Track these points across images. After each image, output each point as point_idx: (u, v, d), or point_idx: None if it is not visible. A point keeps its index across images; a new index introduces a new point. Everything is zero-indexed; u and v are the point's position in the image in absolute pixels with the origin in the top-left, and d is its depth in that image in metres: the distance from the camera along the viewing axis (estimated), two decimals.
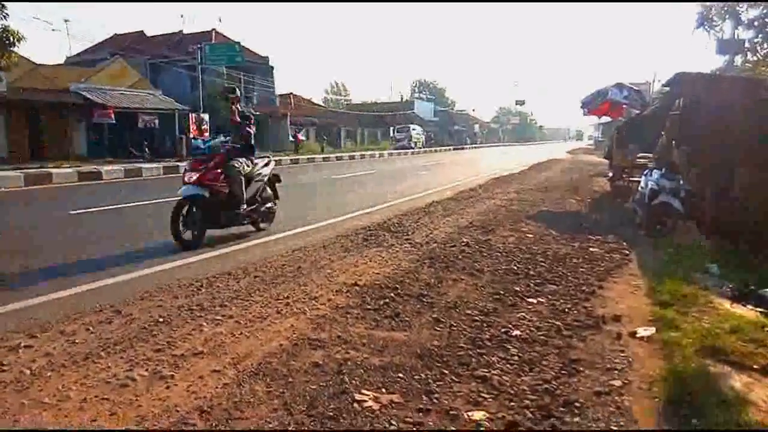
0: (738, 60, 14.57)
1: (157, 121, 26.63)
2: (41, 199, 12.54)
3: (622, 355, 3.55)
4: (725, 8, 9.30)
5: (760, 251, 7.00)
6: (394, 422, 2.69)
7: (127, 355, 3.45)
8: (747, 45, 9.79)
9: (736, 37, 13.89)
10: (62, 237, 7.72)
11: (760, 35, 8.56)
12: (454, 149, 54.33)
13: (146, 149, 25.04)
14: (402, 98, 69.51)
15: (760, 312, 4.65)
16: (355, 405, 2.84)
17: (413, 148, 46.24)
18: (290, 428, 2.63)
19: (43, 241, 7.35)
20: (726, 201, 8.43)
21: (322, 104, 57.88)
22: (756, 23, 8.54)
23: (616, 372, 3.29)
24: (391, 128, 52.47)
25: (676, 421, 2.75)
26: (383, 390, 3.02)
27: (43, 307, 4.46)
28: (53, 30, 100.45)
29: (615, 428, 2.67)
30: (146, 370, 3.23)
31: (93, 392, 2.96)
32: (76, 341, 3.66)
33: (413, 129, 50.44)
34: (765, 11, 8.32)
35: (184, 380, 3.11)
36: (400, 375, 3.20)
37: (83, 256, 6.38)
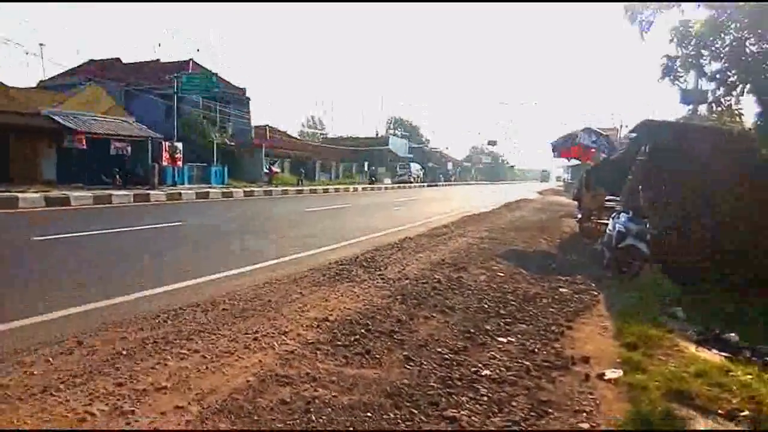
0: (702, 109, 15.17)
1: (129, 148, 26.27)
2: (4, 224, 12.19)
3: (591, 397, 3.57)
4: (690, 60, 9.72)
5: (722, 288, 7.24)
6: None
7: (87, 388, 3.33)
8: (710, 96, 10.23)
9: (699, 87, 14.49)
10: (24, 264, 7.49)
11: (722, 87, 8.96)
12: (428, 186, 55.00)
13: (117, 176, 24.67)
14: (377, 134, 70.11)
15: (725, 356, 4.74)
16: None
17: (412, 183, 54.59)
18: None
19: (2, 267, 7.13)
20: (686, 242, 8.71)
21: (298, 137, 58.01)
22: (718, 76, 8.96)
23: (584, 414, 3.30)
24: (366, 163, 55.14)
25: None
26: (351, 429, 2.97)
27: (1, 336, 4.29)
28: (27, 53, 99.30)
29: None
30: (106, 404, 3.12)
31: (48, 426, 2.85)
32: (34, 373, 3.53)
33: (413, 166, 59.50)
34: (726, 65, 8.73)
35: (145, 416, 3.01)
36: (369, 414, 3.16)
37: (45, 284, 6.19)
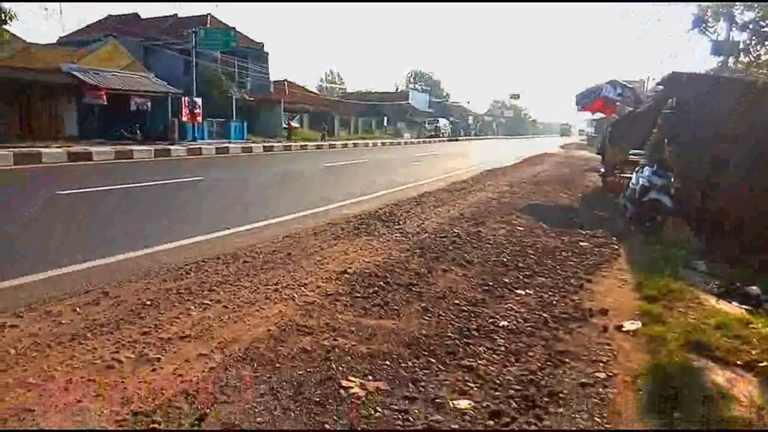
0: (731, 62, 14.64)
1: (149, 104, 26.31)
2: (30, 179, 12.41)
3: (608, 347, 3.58)
4: (721, 10, 9.32)
5: (743, 245, 7.12)
6: (379, 409, 2.70)
7: (114, 337, 3.43)
8: (741, 46, 9.83)
9: (731, 38, 13.96)
10: (49, 218, 7.65)
11: (754, 38, 8.58)
12: (448, 140, 54.47)
13: (138, 132, 24.80)
14: (397, 89, 69.25)
15: (745, 309, 4.70)
16: (342, 391, 2.85)
17: (441, 137, 55.43)
18: (276, 413, 2.64)
19: (30, 220, 7.29)
20: (713, 197, 8.55)
21: (317, 92, 57.47)
22: (750, 26, 8.56)
23: (601, 364, 3.32)
24: (385, 118, 54.69)
25: (659, 415, 2.78)
26: (370, 377, 3.03)
27: (30, 287, 4.43)
28: (46, 10, 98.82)
29: (598, 421, 2.69)
30: (132, 352, 3.22)
31: (78, 373, 2.95)
32: (63, 322, 3.64)
33: (441, 121, 60.72)
34: (760, 13, 8.33)
35: (170, 363, 3.11)
36: (387, 363, 3.21)
37: (71, 237, 6.33)
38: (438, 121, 60.41)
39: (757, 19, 8.56)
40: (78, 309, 3.89)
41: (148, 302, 4.06)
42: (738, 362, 3.40)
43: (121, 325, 3.61)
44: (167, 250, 5.84)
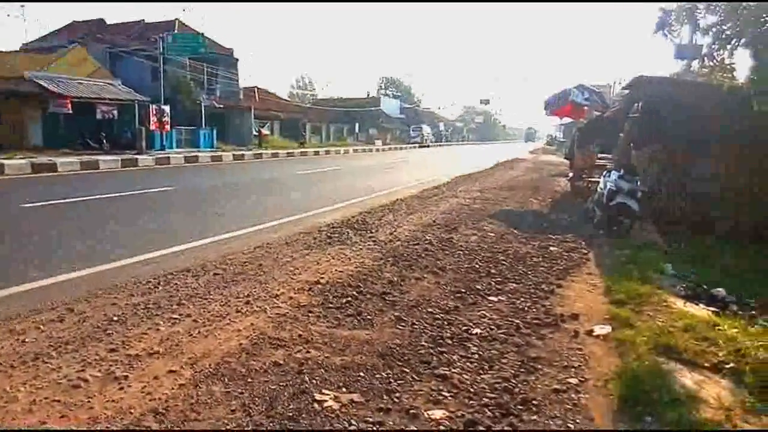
0: (695, 65, 15.01)
1: (115, 112, 25.78)
2: None
3: (579, 353, 3.62)
4: (684, 13, 9.56)
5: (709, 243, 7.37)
6: (354, 422, 2.68)
7: (80, 354, 3.34)
8: (704, 50, 10.09)
9: (694, 42, 14.32)
10: (12, 231, 7.43)
11: (716, 42, 8.81)
12: (419, 147, 54.74)
13: (104, 141, 24.30)
14: (368, 95, 69.32)
15: (712, 311, 4.81)
16: (315, 405, 2.81)
17: (424, 144, 58.74)
18: (248, 429, 2.59)
19: None
20: (677, 199, 8.81)
21: (288, 99, 57.17)
22: (713, 29, 8.78)
23: (573, 370, 3.35)
24: (357, 124, 54.78)
25: (630, 419, 2.81)
26: (344, 389, 3.01)
27: None
28: (8, 15, 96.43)
29: (571, 427, 2.72)
30: (99, 370, 3.14)
31: (42, 393, 2.86)
32: (26, 340, 3.53)
33: (425, 128, 63.93)
34: (722, 18, 8.56)
35: (138, 381, 3.03)
36: (361, 374, 3.19)
37: (35, 252, 6.15)
38: (422, 128, 63.71)
39: (719, 22, 8.80)
40: (42, 326, 3.77)
41: (115, 318, 3.97)
42: (706, 364, 3.47)
43: (87, 343, 3.51)
44: (134, 263, 5.72)
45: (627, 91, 12.65)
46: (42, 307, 4.21)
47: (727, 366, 3.41)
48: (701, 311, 4.76)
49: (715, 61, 9.33)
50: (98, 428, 2.56)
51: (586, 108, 16.16)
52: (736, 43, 8.61)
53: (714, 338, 3.81)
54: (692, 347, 3.65)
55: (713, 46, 9.15)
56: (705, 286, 5.57)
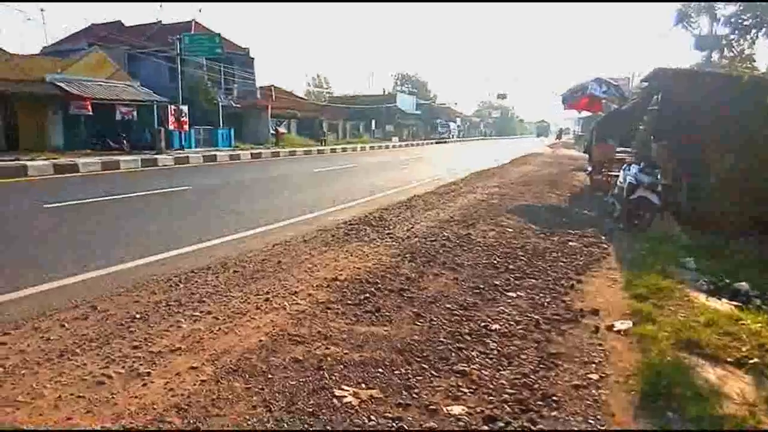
0: (715, 56, 14.76)
1: (135, 113, 26.10)
2: (16, 192, 12.28)
3: (600, 348, 3.60)
4: (703, 5, 9.43)
5: (730, 237, 7.21)
6: (373, 418, 2.69)
7: (103, 352, 3.39)
8: (724, 41, 9.92)
9: (713, 33, 14.07)
10: (36, 231, 7.56)
11: (736, 32, 8.65)
12: (436, 142, 54.63)
13: (124, 141, 24.61)
14: (384, 91, 69.10)
15: (734, 305, 4.73)
16: (335, 401, 2.83)
17: (442, 140, 60.71)
18: (269, 425, 2.62)
19: (16, 235, 7.21)
20: (701, 191, 8.64)
21: (304, 97, 57.32)
22: (732, 20, 8.62)
23: (593, 365, 3.33)
24: (373, 121, 55.04)
25: (652, 415, 2.79)
26: (363, 385, 3.02)
27: (16, 303, 4.37)
28: (28, 20, 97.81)
29: (592, 423, 2.70)
30: (122, 367, 3.19)
31: (68, 390, 2.92)
32: (51, 338, 3.60)
33: (452, 125, 72.73)
34: (741, 8, 8.41)
35: (161, 377, 3.08)
36: (380, 370, 3.20)
37: (58, 251, 6.26)
38: (449, 125, 71.62)
39: (739, 12, 8.64)
40: (66, 324, 3.85)
41: (138, 315, 4.03)
42: (729, 359, 3.43)
43: (111, 340, 3.57)
44: (155, 262, 5.79)
45: (646, 84, 12.47)
46: (66, 305, 4.28)
47: (751, 361, 3.37)
48: (724, 306, 4.69)
49: (734, 51, 9.16)
50: (122, 424, 2.61)
51: (604, 101, 15.99)
52: (756, 33, 8.45)
53: (737, 333, 3.76)
54: (715, 342, 3.61)
55: (733, 37, 8.98)
56: (727, 281, 5.48)
